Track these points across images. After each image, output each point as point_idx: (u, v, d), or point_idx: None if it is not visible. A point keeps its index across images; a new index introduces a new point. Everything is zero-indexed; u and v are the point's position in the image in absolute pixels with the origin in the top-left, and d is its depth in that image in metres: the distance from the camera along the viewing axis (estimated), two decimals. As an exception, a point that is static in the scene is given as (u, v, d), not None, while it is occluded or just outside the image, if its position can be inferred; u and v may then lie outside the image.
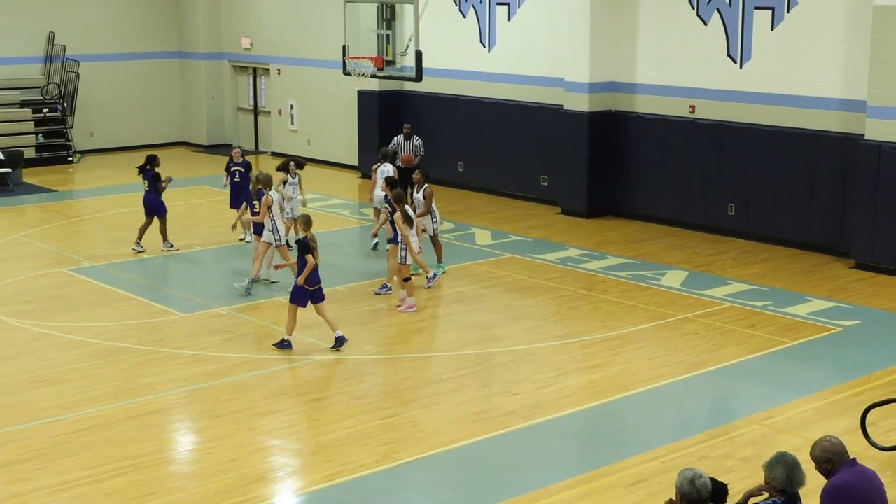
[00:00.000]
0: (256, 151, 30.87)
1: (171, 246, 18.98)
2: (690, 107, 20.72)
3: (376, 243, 19.06)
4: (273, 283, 16.79)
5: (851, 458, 7.11)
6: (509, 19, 23.64)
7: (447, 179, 24.29)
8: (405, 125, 21.77)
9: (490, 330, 15.00)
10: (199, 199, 23.98)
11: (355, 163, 27.00)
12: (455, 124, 24.62)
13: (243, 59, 30.89)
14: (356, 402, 12.27)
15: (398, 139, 21.49)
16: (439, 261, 17.60)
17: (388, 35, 21.84)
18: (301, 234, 13.77)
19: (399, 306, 15.72)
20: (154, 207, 18.84)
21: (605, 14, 21.48)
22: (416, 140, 21.47)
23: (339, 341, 13.90)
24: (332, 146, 28.21)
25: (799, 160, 19.10)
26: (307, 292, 13.74)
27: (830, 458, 7.06)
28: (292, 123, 29.44)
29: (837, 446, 7.08)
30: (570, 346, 14.23)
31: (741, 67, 19.82)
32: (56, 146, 28.91)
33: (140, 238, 18.92)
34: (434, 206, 17.62)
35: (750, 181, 19.81)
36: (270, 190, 16.33)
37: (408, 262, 15.83)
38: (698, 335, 14.62)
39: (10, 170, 25.36)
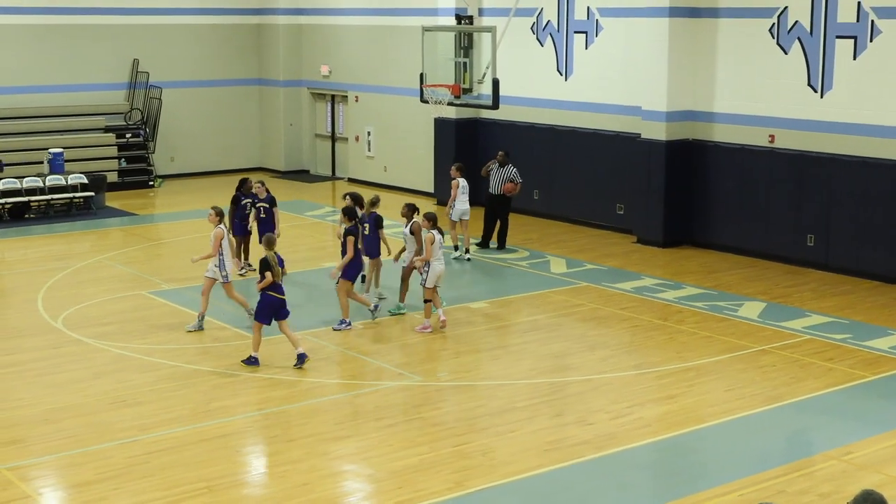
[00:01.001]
0: (333, 177, 31.15)
1: (248, 267, 19.10)
2: (770, 136, 20.50)
3: (459, 255, 20.36)
4: (382, 298, 17.30)
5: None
6: (587, 48, 23.62)
7: (522, 207, 24.25)
8: (499, 152, 21.78)
9: (564, 359, 14.93)
10: (276, 225, 24.19)
11: (431, 190, 27.11)
12: (531, 152, 24.61)
13: (322, 87, 31.24)
14: (429, 428, 12.27)
15: (493, 166, 21.58)
16: (401, 300, 17.06)
17: (465, 63, 21.88)
18: (265, 253, 14.35)
19: (417, 327, 16.06)
20: (233, 229, 19.07)
21: (684, 42, 21.37)
22: (513, 168, 21.48)
23: (301, 359, 14.25)
24: (409, 173, 28.36)
25: (880, 191, 18.79)
26: (270, 310, 14.24)
27: None
28: (369, 150, 29.67)
29: None
30: (645, 377, 14.10)
31: (822, 97, 19.58)
32: (138, 171, 29.44)
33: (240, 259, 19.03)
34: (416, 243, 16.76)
35: (830, 212, 19.52)
36: (221, 224, 16.05)
37: (429, 285, 15.93)
38: (776, 368, 14.39)
39: (93, 194, 25.86)
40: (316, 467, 11.20)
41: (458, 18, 23.53)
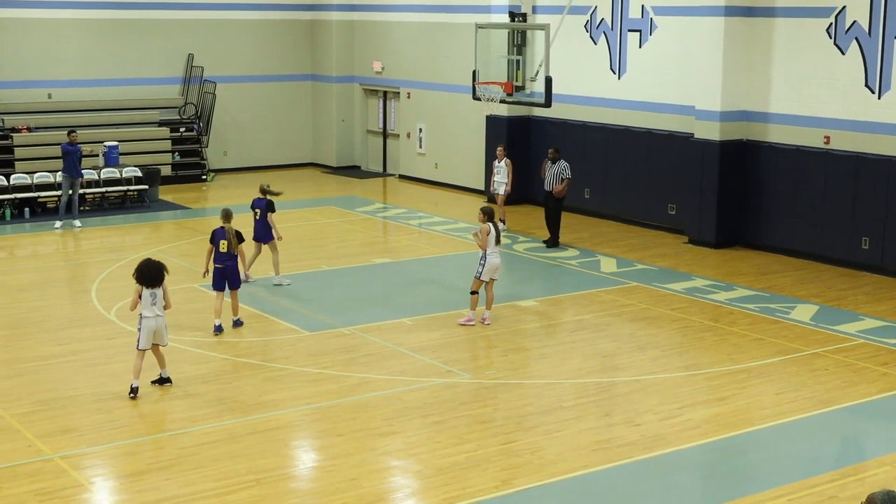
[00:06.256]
0: (384, 174, 31.22)
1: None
2: (825, 137, 20.27)
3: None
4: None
5: None
6: (640, 46, 23.49)
7: (573, 206, 24.20)
8: (550, 150, 21.79)
9: (613, 358, 14.87)
10: (327, 220, 24.37)
11: (482, 187, 27.10)
12: (583, 151, 24.53)
13: (374, 83, 31.33)
14: (477, 425, 12.27)
15: (547, 164, 21.64)
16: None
17: (518, 61, 21.89)
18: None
19: (461, 320, 16.22)
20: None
21: (739, 42, 21.19)
22: (563, 164, 21.50)
23: (235, 324, 15.92)
24: (460, 170, 28.37)
25: (939, 194, 18.53)
26: (217, 278, 15.80)
27: None
28: (420, 147, 29.72)
29: None
30: (695, 378, 14.01)
31: (879, 98, 19.33)
32: (191, 165, 29.70)
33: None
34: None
35: (886, 214, 19.27)
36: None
37: (483, 278, 15.97)
38: (828, 371, 14.24)
39: (147, 187, 26.14)
40: (364, 462, 11.24)
41: (512, 16, 23.53)
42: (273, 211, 18.31)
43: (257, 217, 18.29)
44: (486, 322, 16.14)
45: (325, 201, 26.74)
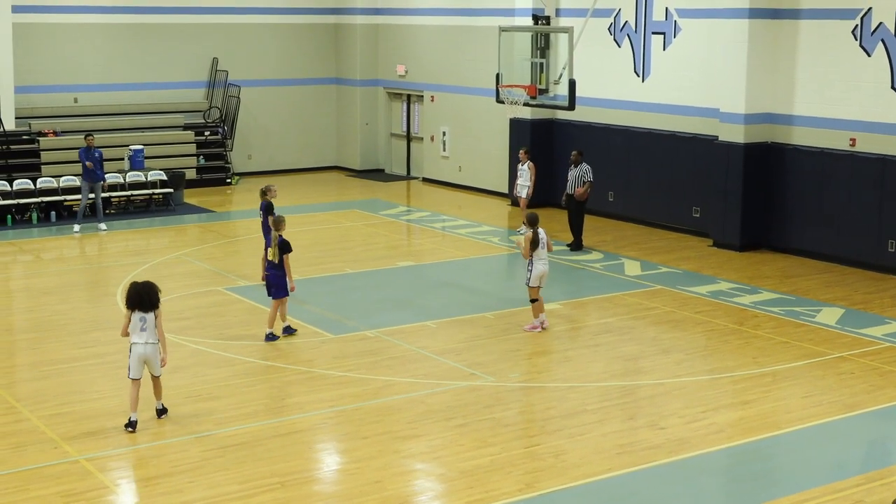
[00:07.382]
0: (408, 177, 31.25)
1: None
2: (851, 140, 20.16)
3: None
4: None
5: None
6: (664, 49, 23.43)
7: (597, 209, 24.14)
8: (573, 152, 21.71)
9: (637, 362, 14.83)
10: (351, 223, 24.41)
11: (505, 190, 27.08)
12: (606, 154, 24.48)
13: (398, 86, 31.36)
14: (500, 429, 12.26)
15: (570, 167, 21.55)
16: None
17: (541, 64, 21.86)
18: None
19: (526, 326, 16.12)
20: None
21: (764, 44, 21.10)
22: (585, 166, 21.41)
23: (280, 333, 15.62)
24: (483, 173, 28.36)
25: (966, 197, 18.39)
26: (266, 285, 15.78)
27: None
28: (444, 150, 29.73)
29: None
30: (720, 382, 13.95)
31: (906, 100, 19.22)
32: (216, 168, 29.80)
33: None
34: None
35: (913, 217, 19.15)
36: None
37: (532, 284, 15.89)
38: (854, 375, 14.16)
39: (172, 190, 26.25)
40: (388, 465, 11.26)
41: (536, 19, 23.52)
42: (271, 214, 17.94)
43: (262, 220, 18.30)
44: (544, 326, 16.10)
45: (348, 205, 26.78)
